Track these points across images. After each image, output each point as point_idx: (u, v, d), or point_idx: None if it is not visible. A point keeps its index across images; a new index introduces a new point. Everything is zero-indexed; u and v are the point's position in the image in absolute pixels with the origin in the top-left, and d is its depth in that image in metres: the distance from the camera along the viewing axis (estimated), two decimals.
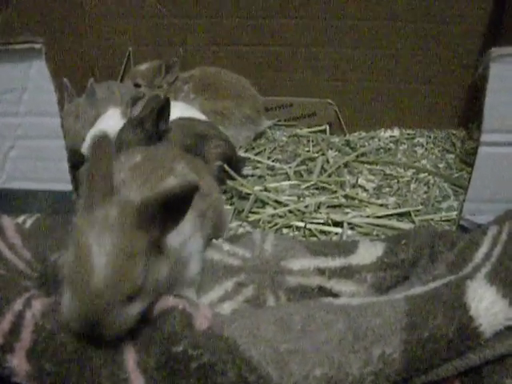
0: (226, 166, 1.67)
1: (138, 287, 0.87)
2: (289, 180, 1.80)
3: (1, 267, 1.03)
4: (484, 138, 1.11)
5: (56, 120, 1.22)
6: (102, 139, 0.97)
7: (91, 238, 0.86)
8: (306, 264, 1.14)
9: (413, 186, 1.80)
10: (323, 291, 1.11)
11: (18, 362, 0.89)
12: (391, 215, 1.61)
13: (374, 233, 1.53)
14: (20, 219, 1.24)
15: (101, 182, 0.93)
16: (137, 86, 2.08)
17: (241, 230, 1.51)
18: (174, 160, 1.19)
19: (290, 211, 1.61)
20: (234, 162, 1.72)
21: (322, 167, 1.87)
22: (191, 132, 1.66)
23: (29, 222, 1.24)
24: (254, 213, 1.62)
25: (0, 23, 1.53)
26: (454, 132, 2.13)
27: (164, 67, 2.09)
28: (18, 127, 1.25)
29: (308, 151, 2.00)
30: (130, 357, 0.90)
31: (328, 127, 2.15)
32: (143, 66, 2.12)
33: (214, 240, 1.21)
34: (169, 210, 0.90)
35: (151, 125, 1.53)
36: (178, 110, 1.78)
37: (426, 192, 1.76)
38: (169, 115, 1.58)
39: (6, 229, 1.16)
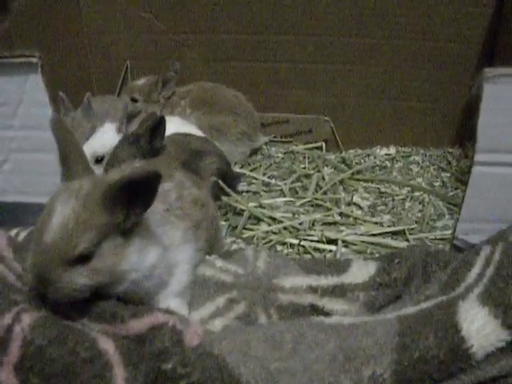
0: (220, 182, 1.67)
1: (80, 254, 0.92)
2: (284, 196, 1.80)
3: None
4: (478, 157, 1.11)
5: (50, 134, 1.22)
6: (56, 122, 1.08)
7: (58, 202, 0.94)
8: (299, 282, 1.14)
9: (408, 204, 1.80)
10: (315, 309, 1.10)
11: (5, 377, 0.88)
12: (386, 233, 1.61)
13: (368, 251, 1.53)
14: (13, 232, 1.24)
15: (79, 158, 1.04)
16: (134, 100, 2.08)
17: (234, 247, 1.50)
18: (172, 169, 1.21)
19: (285, 228, 1.60)
20: (229, 178, 1.72)
21: (318, 184, 1.87)
22: (186, 148, 1.66)
23: (22, 235, 1.24)
24: (248, 229, 1.62)
25: None
26: (450, 150, 2.13)
27: (161, 82, 2.09)
28: (12, 140, 1.25)
29: (304, 168, 2.00)
30: (118, 372, 0.90)
31: (324, 144, 2.15)
32: (140, 81, 2.13)
33: (206, 256, 1.21)
34: (134, 196, 0.94)
35: (146, 142, 1.54)
36: (174, 126, 1.79)
37: (420, 210, 1.76)
38: (164, 133, 1.58)
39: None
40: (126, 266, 0.97)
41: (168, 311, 0.98)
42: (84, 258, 0.93)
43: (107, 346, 0.93)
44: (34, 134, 1.23)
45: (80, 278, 0.93)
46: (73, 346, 0.91)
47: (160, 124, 1.56)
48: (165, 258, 1.06)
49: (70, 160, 1.03)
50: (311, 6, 2.03)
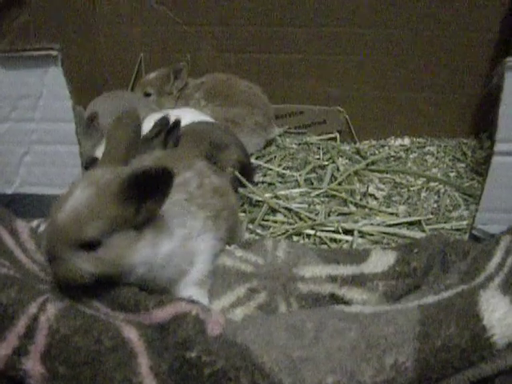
0: (237, 174, 1.67)
1: (86, 240, 0.94)
2: (299, 187, 1.81)
3: (16, 271, 1.03)
4: (497, 147, 1.11)
5: (70, 126, 1.24)
6: (128, 114, 1.08)
7: (78, 186, 0.97)
8: (318, 271, 1.14)
9: (423, 194, 1.80)
10: (335, 299, 1.11)
11: (32, 365, 0.90)
12: (401, 224, 1.62)
13: (384, 241, 1.53)
14: (34, 223, 1.25)
15: (113, 150, 1.07)
16: (147, 95, 2.09)
17: (252, 237, 1.51)
18: (193, 158, 1.21)
19: (301, 219, 1.61)
20: (247, 169, 1.73)
21: (333, 175, 1.87)
22: (207, 138, 1.65)
23: (43, 227, 1.25)
24: (264, 220, 1.62)
25: (16, 28, 1.54)
26: (465, 141, 2.13)
27: (172, 73, 2.09)
28: (33, 133, 1.26)
29: (318, 159, 2.01)
30: (143, 361, 0.91)
31: (338, 135, 2.15)
32: (152, 75, 2.13)
33: (226, 246, 1.22)
34: (146, 192, 0.96)
35: (159, 146, 1.51)
36: (190, 116, 1.79)
37: (436, 201, 1.77)
38: (178, 137, 1.57)
39: (21, 233, 1.17)
40: (135, 259, 0.98)
41: (191, 301, 0.99)
42: (91, 246, 0.94)
43: (131, 334, 0.94)
44: (54, 126, 1.25)
45: (84, 264, 0.95)
46: (97, 334, 0.92)
47: (174, 127, 1.54)
48: (184, 248, 1.07)
49: (110, 150, 1.07)
50: None
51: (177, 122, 1.54)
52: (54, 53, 1.14)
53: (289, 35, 2.13)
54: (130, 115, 1.12)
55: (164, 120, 1.51)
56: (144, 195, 0.96)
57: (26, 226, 1.20)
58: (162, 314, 0.95)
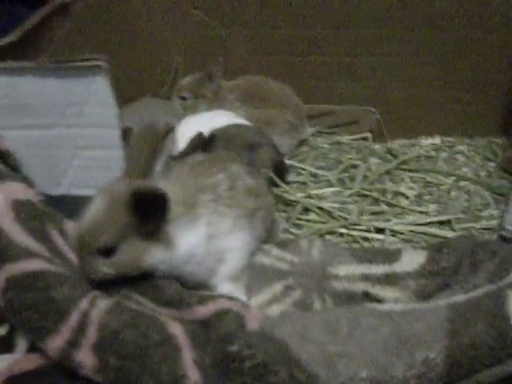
0: (271, 173, 1.72)
1: (101, 247, 1.04)
2: (331, 187, 1.85)
3: (67, 269, 1.10)
4: None
5: (115, 132, 1.31)
6: (148, 129, 1.17)
7: (99, 196, 1.07)
8: (352, 270, 1.20)
9: (453, 193, 1.83)
10: (368, 297, 1.16)
11: (84, 356, 0.96)
12: (432, 223, 1.65)
13: (415, 240, 1.57)
14: None
15: (134, 164, 1.15)
16: (183, 98, 2.14)
17: (286, 236, 1.57)
18: (229, 161, 1.28)
19: (333, 218, 1.66)
20: (281, 169, 1.78)
21: (364, 175, 1.91)
22: (239, 140, 1.71)
23: None
24: (297, 219, 1.67)
25: (60, 36, 1.62)
26: (495, 140, 2.14)
27: (207, 77, 2.14)
28: (80, 138, 1.33)
29: (350, 159, 2.04)
30: (187, 355, 0.97)
31: (370, 135, 2.18)
32: (187, 80, 2.17)
33: (262, 245, 1.28)
34: (147, 208, 1.04)
35: None
36: (225, 119, 1.85)
37: (466, 200, 1.79)
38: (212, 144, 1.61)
39: (69, 233, 1.24)
40: (150, 261, 1.08)
41: (231, 297, 1.05)
42: (107, 251, 1.05)
43: (176, 329, 1.00)
44: (99, 132, 1.32)
45: (103, 268, 1.06)
46: (145, 329, 0.98)
47: (211, 140, 1.59)
48: (210, 245, 1.15)
49: (132, 164, 1.15)
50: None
51: (213, 136, 1.59)
52: (102, 63, 1.21)
53: (319, 37, 2.16)
54: (149, 131, 1.20)
55: (199, 137, 1.54)
56: (146, 210, 1.04)
57: (73, 227, 1.27)
58: (204, 310, 1.02)
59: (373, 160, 2.04)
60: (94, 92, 1.26)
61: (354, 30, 2.12)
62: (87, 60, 1.23)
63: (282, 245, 1.28)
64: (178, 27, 2.23)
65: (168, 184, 1.15)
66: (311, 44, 2.19)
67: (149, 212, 1.04)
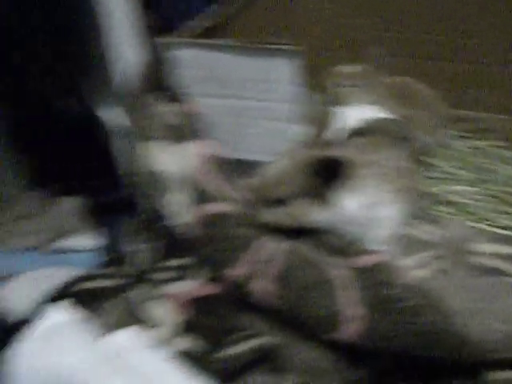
0: (412, 165, 1.85)
1: (278, 198, 1.27)
2: (470, 187, 1.96)
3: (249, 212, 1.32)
4: None
5: (300, 108, 1.50)
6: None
7: (286, 159, 1.31)
8: (489, 249, 1.34)
9: None
10: (503, 274, 1.30)
11: (263, 286, 1.17)
12: None
13: None
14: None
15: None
16: (338, 86, 2.29)
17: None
18: (389, 144, 1.46)
19: (470, 213, 1.78)
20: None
21: (504, 180, 1.99)
22: (388, 132, 1.86)
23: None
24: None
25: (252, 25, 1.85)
26: None
27: (363, 71, 2.26)
28: (266, 110, 1.56)
29: (487, 162, 2.12)
30: (349, 294, 1.16)
31: (507, 143, 2.23)
32: (347, 68, 2.31)
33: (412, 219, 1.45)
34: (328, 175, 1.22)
35: None
36: (373, 112, 2.00)
37: None
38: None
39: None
40: (315, 218, 1.27)
41: (388, 253, 1.24)
42: (281, 203, 1.26)
43: (339, 273, 1.19)
44: (285, 106, 1.53)
45: (275, 216, 1.27)
46: (310, 270, 1.19)
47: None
48: (367, 213, 1.31)
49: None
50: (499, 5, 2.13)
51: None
52: (297, 47, 1.43)
53: (459, 44, 2.26)
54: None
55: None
56: (327, 176, 1.22)
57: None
58: (365, 260, 1.21)
59: (510, 168, 2.09)
60: (286, 72, 1.48)
61: (498, 40, 2.18)
62: (282, 44, 1.46)
63: (429, 221, 1.45)
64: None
65: (347, 155, 1.34)
66: (454, 51, 2.28)
67: (329, 177, 1.23)
